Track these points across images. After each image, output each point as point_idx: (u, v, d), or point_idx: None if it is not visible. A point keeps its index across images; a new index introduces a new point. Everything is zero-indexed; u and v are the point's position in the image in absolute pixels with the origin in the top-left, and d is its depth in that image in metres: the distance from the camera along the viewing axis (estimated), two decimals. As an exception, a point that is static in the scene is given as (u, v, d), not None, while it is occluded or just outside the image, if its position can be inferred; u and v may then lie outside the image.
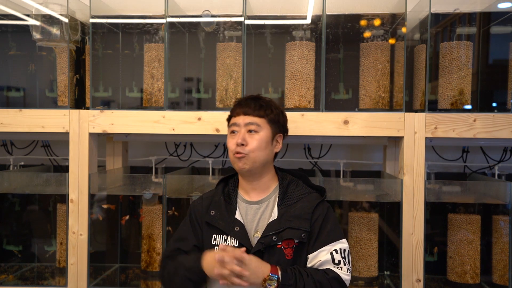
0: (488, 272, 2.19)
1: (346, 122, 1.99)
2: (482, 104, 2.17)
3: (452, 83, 2.08)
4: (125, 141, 2.54)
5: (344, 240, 1.57)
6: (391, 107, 2.14)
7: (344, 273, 1.50)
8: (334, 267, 1.50)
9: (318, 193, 1.65)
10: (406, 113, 1.98)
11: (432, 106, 2.09)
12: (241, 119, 1.61)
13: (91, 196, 2.11)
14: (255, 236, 1.58)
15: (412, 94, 2.27)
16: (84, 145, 2.07)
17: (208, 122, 2.03)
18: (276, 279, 1.41)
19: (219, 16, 2.19)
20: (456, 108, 2.08)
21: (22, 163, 2.57)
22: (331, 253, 1.52)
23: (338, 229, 1.60)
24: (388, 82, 2.12)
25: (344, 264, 1.52)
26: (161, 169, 2.52)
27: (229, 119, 1.69)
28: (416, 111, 2.11)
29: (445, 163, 2.51)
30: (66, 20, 2.18)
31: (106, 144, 2.49)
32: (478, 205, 2.19)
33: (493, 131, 1.95)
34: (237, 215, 1.60)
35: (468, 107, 2.09)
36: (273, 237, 1.53)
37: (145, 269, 2.28)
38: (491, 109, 2.25)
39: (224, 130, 2.02)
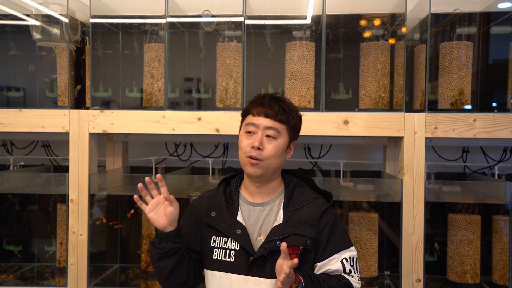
0: (488, 272, 2.19)
1: (346, 122, 1.99)
2: (482, 104, 2.17)
3: (452, 83, 2.08)
4: (125, 141, 2.54)
5: (353, 247, 1.54)
6: (391, 107, 2.14)
7: (355, 281, 1.49)
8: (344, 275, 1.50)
9: (324, 199, 1.59)
10: (406, 113, 1.98)
11: (432, 106, 2.09)
12: (261, 121, 1.51)
13: (91, 196, 2.11)
14: (257, 239, 1.53)
15: (412, 94, 2.27)
16: (84, 145, 2.07)
17: (208, 122, 2.03)
18: (301, 286, 1.40)
19: (219, 16, 2.19)
20: (456, 108, 2.08)
21: (22, 163, 2.57)
22: (342, 262, 1.50)
23: (347, 236, 1.57)
24: (388, 82, 2.12)
25: (355, 273, 1.51)
26: (161, 169, 2.52)
27: (245, 114, 1.59)
28: (416, 111, 2.10)
29: (445, 163, 2.51)
30: (66, 20, 2.18)
31: (106, 144, 2.49)
32: (478, 205, 2.19)
33: (493, 131, 1.95)
34: (239, 217, 1.54)
35: (468, 107, 2.09)
36: (277, 242, 1.47)
37: (145, 269, 2.28)
38: (491, 109, 2.25)
39: (224, 130, 2.02)
